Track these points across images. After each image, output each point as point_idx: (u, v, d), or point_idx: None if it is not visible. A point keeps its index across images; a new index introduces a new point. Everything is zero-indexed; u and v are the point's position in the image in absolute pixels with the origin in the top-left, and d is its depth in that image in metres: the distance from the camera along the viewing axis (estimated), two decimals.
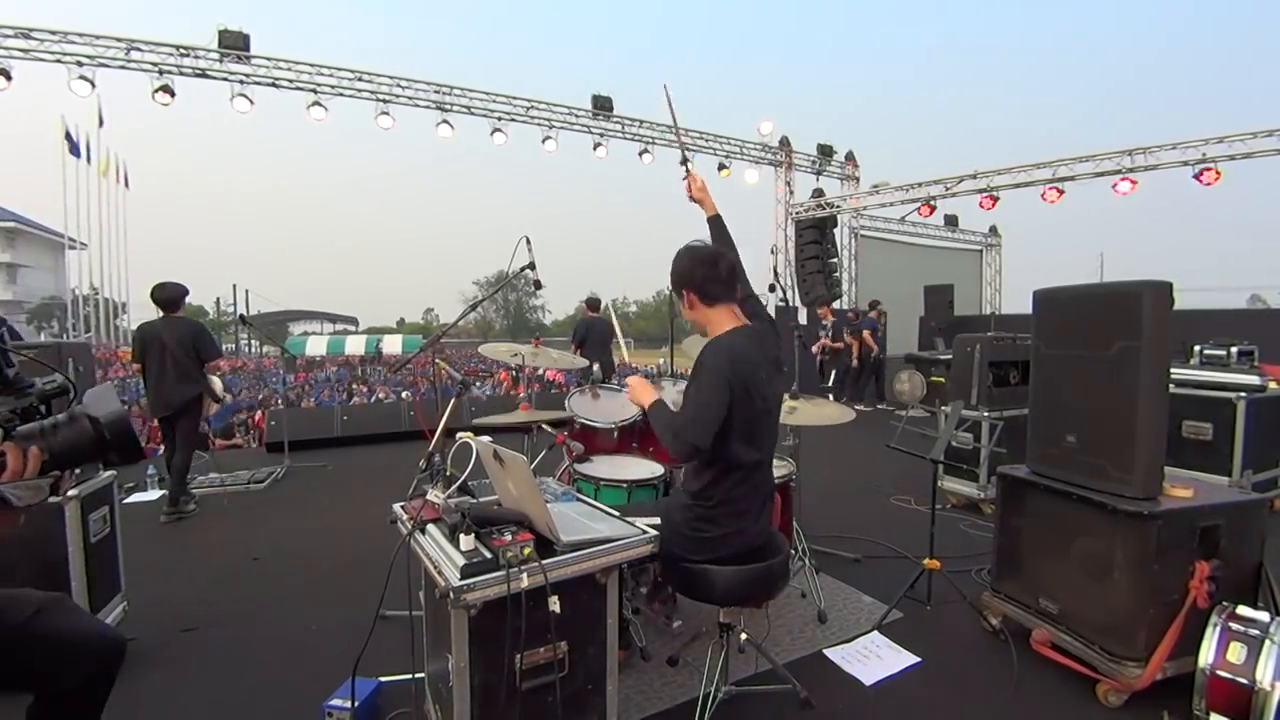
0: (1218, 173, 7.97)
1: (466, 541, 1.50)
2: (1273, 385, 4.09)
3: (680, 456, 1.89)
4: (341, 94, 9.00)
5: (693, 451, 1.82)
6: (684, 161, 2.47)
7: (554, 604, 1.46)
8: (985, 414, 4.15)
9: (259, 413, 11.59)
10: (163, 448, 5.02)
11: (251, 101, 8.47)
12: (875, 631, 2.71)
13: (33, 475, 0.97)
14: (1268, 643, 1.91)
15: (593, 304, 8.68)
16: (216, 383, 4.92)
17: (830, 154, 13.41)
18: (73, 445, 1.02)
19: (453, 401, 2.25)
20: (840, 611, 2.91)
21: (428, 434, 2.07)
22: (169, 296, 4.60)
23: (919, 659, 2.51)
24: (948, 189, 10.51)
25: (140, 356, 4.56)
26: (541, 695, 1.54)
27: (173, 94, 8.08)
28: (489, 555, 1.47)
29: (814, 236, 12.45)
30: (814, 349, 9.95)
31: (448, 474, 1.88)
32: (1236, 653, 1.95)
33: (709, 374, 1.85)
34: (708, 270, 1.96)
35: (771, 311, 2.51)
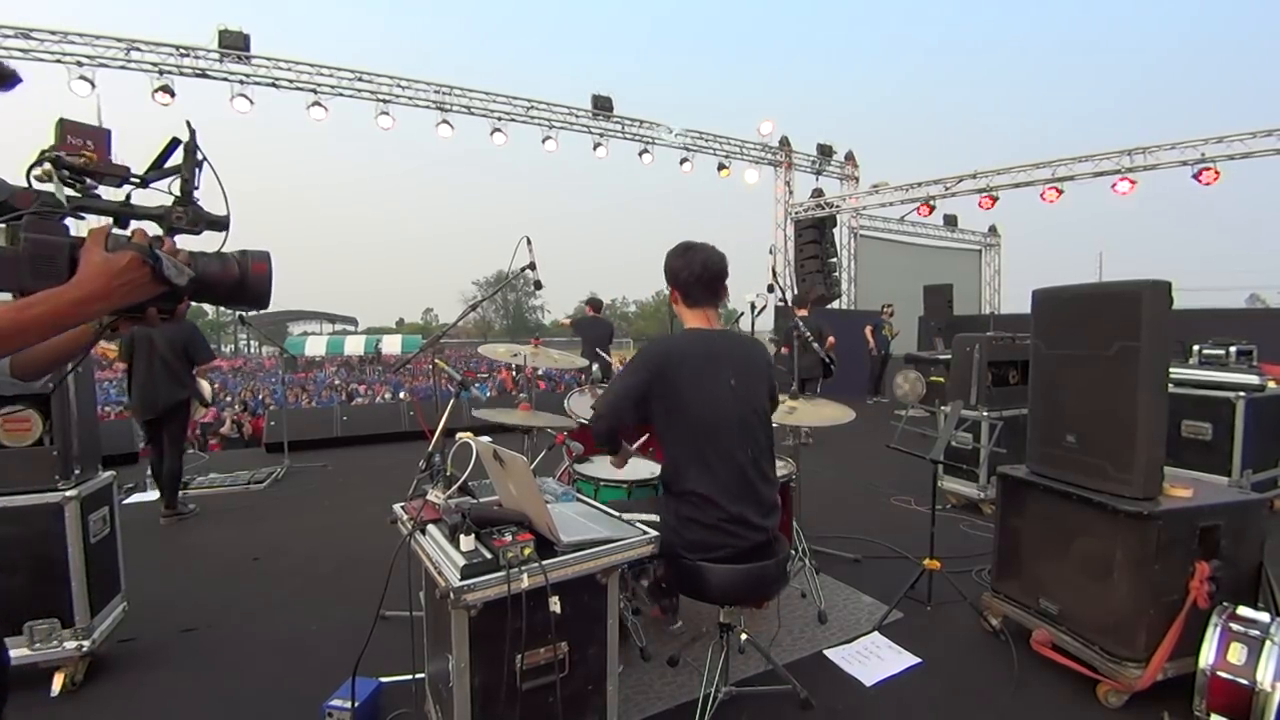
0: (1217, 173, 7.98)
1: (466, 542, 1.50)
2: (1272, 385, 4.09)
3: (595, 429, 2.09)
4: (341, 94, 9.01)
5: (595, 419, 2.07)
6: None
7: (554, 604, 1.46)
8: (985, 414, 4.15)
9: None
10: (144, 450, 4.85)
11: (251, 101, 8.48)
12: (875, 632, 2.71)
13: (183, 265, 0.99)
14: (1268, 643, 1.91)
15: (594, 304, 8.64)
16: (205, 386, 4.81)
17: (830, 154, 13.42)
18: (216, 277, 1.05)
19: (452, 401, 2.25)
20: (840, 612, 2.91)
21: (428, 434, 2.07)
22: None
23: (919, 659, 2.51)
24: (947, 189, 10.52)
25: (127, 355, 4.37)
26: (542, 695, 1.54)
27: (173, 94, 8.09)
28: (489, 556, 1.47)
29: (813, 236, 12.47)
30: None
31: (448, 474, 1.88)
32: (1237, 653, 1.95)
33: (628, 364, 2.10)
34: (696, 275, 2.08)
35: (770, 312, 2.54)
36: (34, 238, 0.95)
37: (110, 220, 1.03)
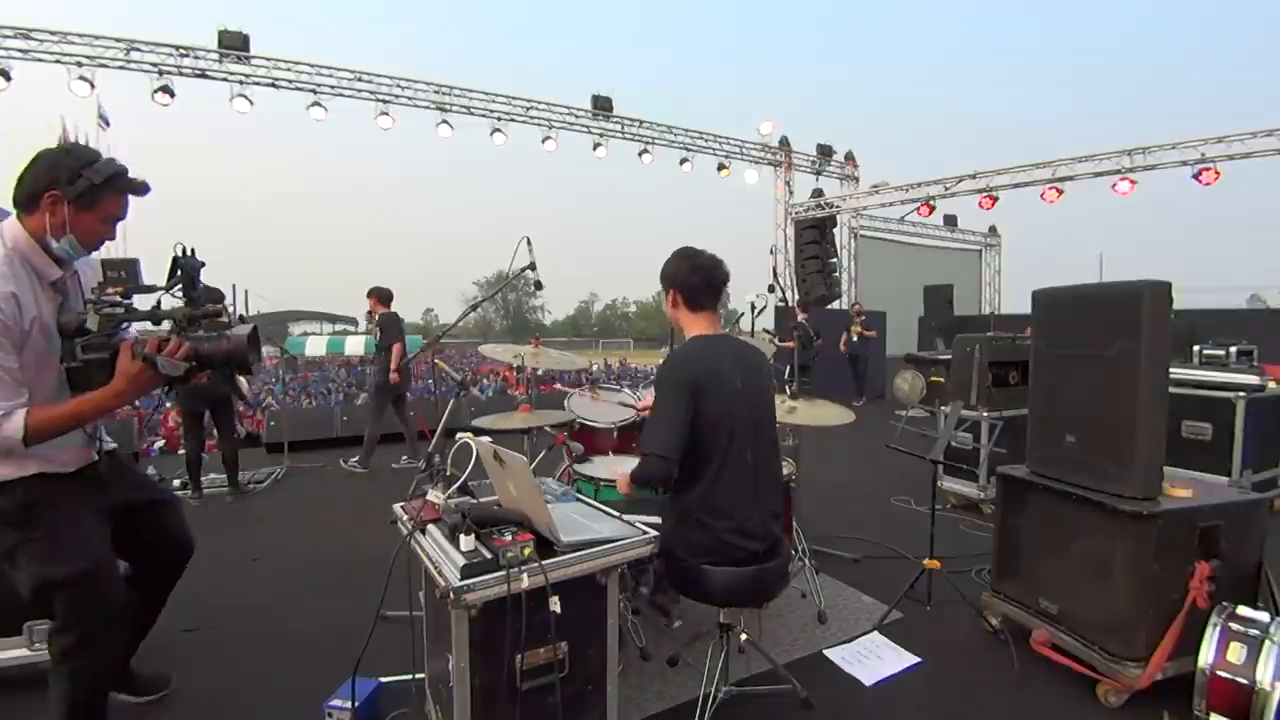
0: (1217, 173, 7.98)
1: (466, 542, 1.50)
2: (1272, 385, 4.09)
3: (653, 471, 1.88)
4: (341, 94, 9.00)
5: (659, 463, 1.85)
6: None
7: (554, 604, 1.46)
8: (985, 414, 4.15)
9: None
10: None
11: (251, 102, 8.47)
12: (875, 631, 2.71)
13: (179, 359, 1.51)
14: (1267, 643, 1.91)
15: (385, 297, 5.89)
16: (243, 382, 5.26)
17: (830, 154, 13.42)
18: (210, 354, 1.56)
19: (452, 401, 2.25)
20: (840, 611, 2.91)
21: (428, 434, 2.07)
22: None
23: (919, 659, 2.51)
24: (947, 189, 10.51)
25: None
26: (541, 696, 1.54)
27: (172, 94, 8.09)
28: (489, 555, 1.47)
29: (814, 237, 12.46)
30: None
31: (448, 474, 1.88)
32: (1236, 653, 1.95)
33: (664, 384, 1.94)
34: (705, 278, 2.05)
35: (771, 312, 2.55)
36: (91, 359, 1.53)
37: (135, 334, 1.60)
